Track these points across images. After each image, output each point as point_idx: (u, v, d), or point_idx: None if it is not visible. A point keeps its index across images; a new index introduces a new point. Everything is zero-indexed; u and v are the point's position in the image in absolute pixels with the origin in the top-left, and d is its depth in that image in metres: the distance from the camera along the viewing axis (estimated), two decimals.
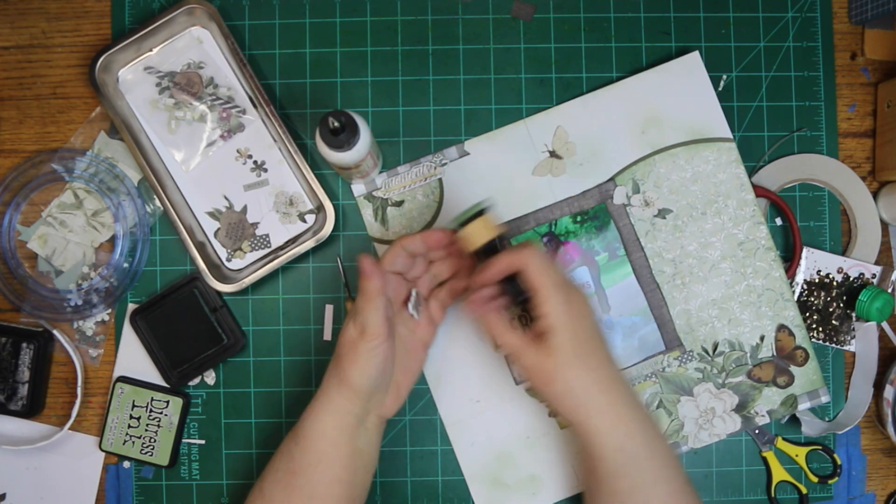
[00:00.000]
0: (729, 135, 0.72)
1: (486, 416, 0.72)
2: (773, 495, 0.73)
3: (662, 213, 0.72)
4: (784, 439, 0.73)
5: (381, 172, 0.73)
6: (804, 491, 0.73)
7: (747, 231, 0.72)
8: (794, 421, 0.74)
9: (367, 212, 0.73)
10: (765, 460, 0.73)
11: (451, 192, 0.73)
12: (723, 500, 0.73)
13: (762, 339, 0.72)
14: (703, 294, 0.72)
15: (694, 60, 0.73)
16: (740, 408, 0.72)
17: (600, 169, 0.73)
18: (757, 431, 0.73)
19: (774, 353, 0.72)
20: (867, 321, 0.72)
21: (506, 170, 0.73)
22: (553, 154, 0.73)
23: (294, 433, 0.64)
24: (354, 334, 0.61)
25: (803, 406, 0.72)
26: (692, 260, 0.72)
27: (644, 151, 0.73)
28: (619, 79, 0.74)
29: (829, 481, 0.73)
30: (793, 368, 0.72)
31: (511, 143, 0.73)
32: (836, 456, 0.73)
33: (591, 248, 0.73)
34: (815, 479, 0.73)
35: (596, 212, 0.73)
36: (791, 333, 0.72)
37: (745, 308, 0.72)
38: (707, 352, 0.72)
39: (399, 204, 0.73)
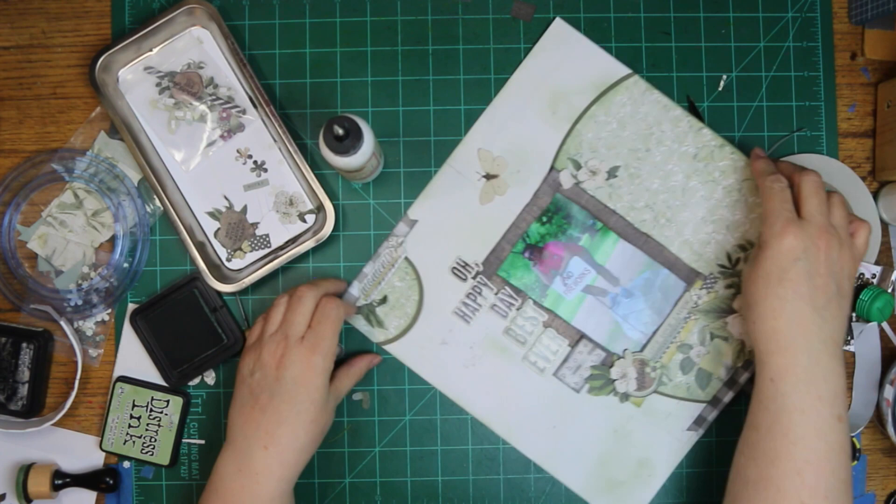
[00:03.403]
0: (627, 70, 0.73)
1: (568, 436, 0.72)
2: None
3: (612, 172, 0.72)
4: None
5: (352, 285, 0.72)
6: None
7: (694, 141, 0.72)
8: None
9: (360, 324, 0.73)
10: None
11: (421, 263, 0.73)
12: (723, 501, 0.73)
13: None
14: (691, 218, 0.72)
15: (560, 27, 0.73)
16: None
17: (537, 165, 0.73)
18: None
19: None
20: (867, 321, 0.72)
21: (456, 214, 0.73)
22: (488, 176, 0.73)
23: None
24: (322, 375, 0.63)
25: None
26: (663, 195, 0.72)
27: (565, 128, 0.73)
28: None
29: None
30: None
31: (447, 189, 0.73)
32: (854, 440, 0.73)
33: (571, 237, 0.73)
34: None
35: (555, 204, 0.73)
36: None
37: (735, 208, 0.72)
38: (725, 266, 0.72)
39: (384, 301, 0.73)
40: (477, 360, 0.72)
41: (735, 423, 0.73)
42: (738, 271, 0.71)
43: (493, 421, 0.73)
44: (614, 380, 0.72)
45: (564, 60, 0.73)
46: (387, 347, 0.73)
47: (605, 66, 0.73)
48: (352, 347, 0.73)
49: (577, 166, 0.72)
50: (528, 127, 0.73)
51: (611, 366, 0.72)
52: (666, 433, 0.72)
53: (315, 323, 0.63)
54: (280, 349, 0.62)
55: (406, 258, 0.73)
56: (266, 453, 0.60)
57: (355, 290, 0.72)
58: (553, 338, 0.73)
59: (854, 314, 0.73)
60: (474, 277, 0.73)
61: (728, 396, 0.72)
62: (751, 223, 0.72)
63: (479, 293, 0.73)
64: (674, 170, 0.72)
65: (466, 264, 0.73)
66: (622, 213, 0.72)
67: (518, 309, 0.73)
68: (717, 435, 0.73)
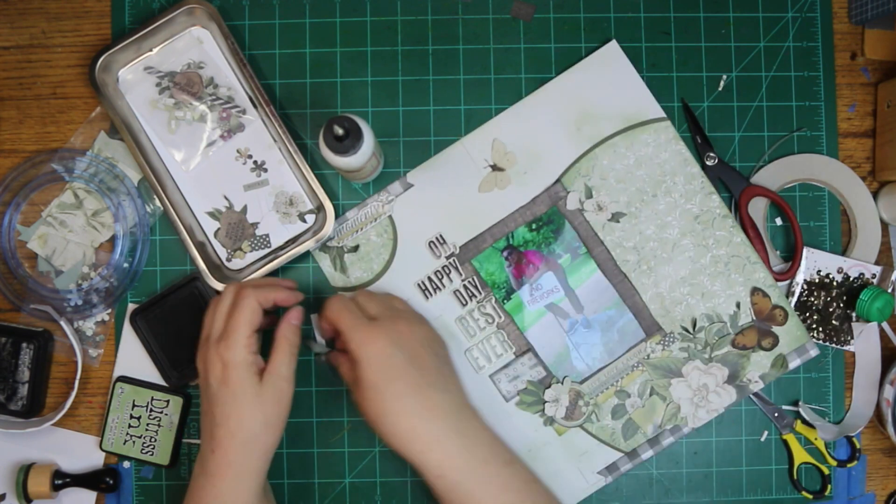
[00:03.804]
0: (662, 114, 0.73)
1: None
2: (794, 477, 0.73)
3: (616, 217, 0.72)
4: (803, 423, 0.73)
5: (336, 218, 0.71)
6: (826, 472, 0.73)
7: (700, 203, 0.72)
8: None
9: (325, 263, 0.73)
10: (785, 443, 0.73)
11: (403, 227, 0.73)
12: (723, 500, 0.73)
13: (738, 305, 0.72)
14: (671, 274, 0.72)
15: (613, 50, 0.73)
16: (732, 378, 0.72)
17: (545, 173, 0.73)
18: (776, 415, 0.73)
19: (754, 318, 0.72)
20: (867, 321, 0.72)
21: (452, 193, 0.73)
22: (495, 167, 0.73)
23: None
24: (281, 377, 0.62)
25: (793, 364, 0.72)
26: (653, 243, 0.72)
27: (584, 147, 0.73)
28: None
29: (849, 464, 0.73)
30: (775, 329, 0.72)
31: (452, 166, 0.73)
32: (854, 439, 0.73)
33: (552, 252, 0.73)
34: (833, 463, 0.73)
35: (549, 216, 0.73)
36: (766, 294, 0.72)
37: (716, 279, 0.72)
38: (687, 330, 0.72)
39: (355, 249, 0.73)
40: None
41: (736, 424, 0.74)
42: (697, 339, 0.72)
43: None
44: (546, 401, 0.72)
45: (605, 83, 0.73)
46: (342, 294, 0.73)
47: (642, 101, 0.73)
48: None
49: (589, 194, 0.72)
50: (549, 134, 0.73)
51: (547, 387, 0.72)
52: (576, 470, 0.72)
53: (228, 317, 0.62)
54: (203, 354, 0.62)
55: (390, 217, 0.73)
56: (213, 456, 0.60)
57: (331, 228, 0.71)
58: (501, 341, 0.72)
59: (854, 314, 0.73)
60: (447, 258, 0.73)
61: (647, 454, 0.72)
62: (726, 298, 0.72)
63: (447, 274, 0.73)
64: (672, 223, 0.72)
65: (444, 242, 0.73)
66: (609, 247, 0.72)
67: (478, 302, 0.73)
68: (716, 435, 0.73)
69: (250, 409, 0.60)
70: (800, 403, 0.73)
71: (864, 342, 0.73)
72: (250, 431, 0.60)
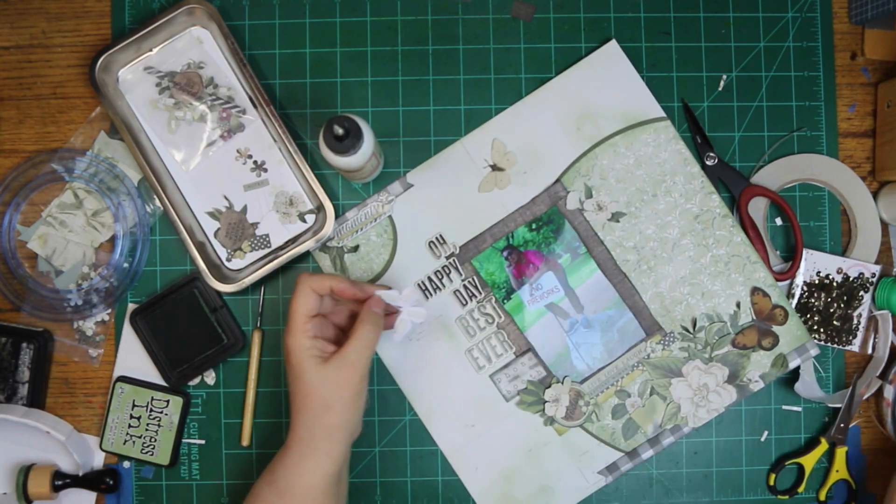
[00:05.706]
0: (662, 114, 0.73)
1: (483, 439, 0.72)
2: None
3: (616, 217, 0.73)
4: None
5: (336, 218, 0.71)
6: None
7: (700, 203, 0.72)
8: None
9: (325, 263, 0.73)
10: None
11: (403, 227, 0.73)
12: (723, 500, 0.73)
13: (738, 305, 0.72)
14: (671, 274, 0.72)
15: (613, 49, 0.73)
16: (732, 378, 0.72)
17: (545, 173, 0.73)
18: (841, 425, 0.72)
19: (754, 317, 0.72)
20: (881, 310, 0.72)
21: (452, 193, 0.73)
22: (495, 167, 0.73)
23: (274, 485, 0.61)
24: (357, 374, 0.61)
25: (794, 363, 0.72)
26: (653, 243, 0.73)
27: (584, 147, 0.73)
28: None
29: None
30: (775, 328, 0.72)
31: (452, 166, 0.73)
32: (852, 480, 0.73)
33: (552, 252, 0.73)
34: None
35: (549, 216, 0.73)
36: (766, 294, 0.72)
37: (716, 279, 0.72)
38: (687, 330, 0.72)
39: (355, 249, 0.73)
40: (422, 336, 0.73)
41: (736, 424, 0.74)
42: (698, 338, 0.72)
43: (416, 398, 0.73)
44: (546, 401, 0.72)
45: (606, 83, 0.73)
46: None
47: (642, 101, 0.73)
48: None
49: (589, 194, 0.72)
50: (549, 134, 0.73)
51: (547, 386, 0.72)
52: (577, 469, 0.72)
53: (289, 305, 0.62)
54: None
55: (390, 217, 0.73)
56: (290, 430, 0.62)
57: (331, 228, 0.71)
58: (502, 341, 0.72)
59: (865, 308, 0.73)
60: (447, 258, 0.73)
61: (647, 454, 0.72)
62: (726, 298, 0.72)
63: (447, 274, 0.73)
64: (672, 223, 0.72)
65: (444, 242, 0.73)
66: (609, 247, 0.73)
67: (479, 302, 0.73)
68: (716, 435, 0.73)
69: (310, 389, 0.60)
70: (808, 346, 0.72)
71: (881, 332, 0.73)
72: (312, 411, 0.61)
